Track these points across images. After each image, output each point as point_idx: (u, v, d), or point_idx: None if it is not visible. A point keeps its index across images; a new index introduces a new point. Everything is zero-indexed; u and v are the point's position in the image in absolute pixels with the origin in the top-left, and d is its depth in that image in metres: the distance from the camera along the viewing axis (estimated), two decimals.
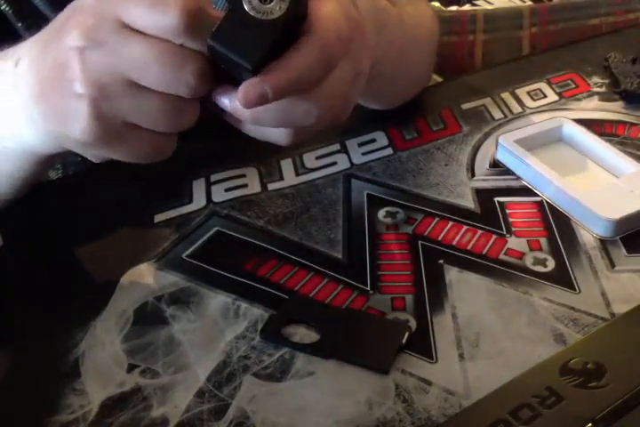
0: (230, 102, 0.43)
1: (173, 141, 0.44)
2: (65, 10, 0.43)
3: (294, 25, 0.41)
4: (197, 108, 0.43)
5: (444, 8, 1.24)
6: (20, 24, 0.62)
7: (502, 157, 0.69)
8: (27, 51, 0.44)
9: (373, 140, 0.72)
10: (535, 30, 1.16)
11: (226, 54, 0.40)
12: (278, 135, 0.46)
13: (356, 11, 0.45)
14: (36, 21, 0.63)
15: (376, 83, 0.50)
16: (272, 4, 0.39)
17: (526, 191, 0.66)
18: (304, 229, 0.62)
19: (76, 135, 0.42)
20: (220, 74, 0.42)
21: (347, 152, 0.71)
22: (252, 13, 0.39)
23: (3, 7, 0.61)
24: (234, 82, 0.42)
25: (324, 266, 0.58)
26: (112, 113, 0.41)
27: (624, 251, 0.60)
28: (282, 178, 0.68)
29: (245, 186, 0.67)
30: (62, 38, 0.41)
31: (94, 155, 0.45)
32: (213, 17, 0.40)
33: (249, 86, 0.40)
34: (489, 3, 1.30)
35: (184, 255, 0.60)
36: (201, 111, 0.44)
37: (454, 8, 1.26)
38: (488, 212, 0.64)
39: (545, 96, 0.79)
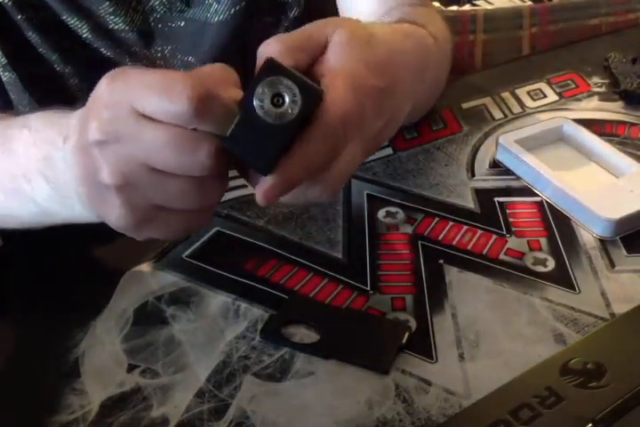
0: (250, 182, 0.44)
1: (208, 215, 0.46)
2: (93, 92, 0.45)
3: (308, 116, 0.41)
4: (222, 183, 0.44)
5: (444, 8, 1.24)
6: (19, 16, 0.63)
7: (502, 157, 0.69)
8: (72, 131, 0.45)
9: None
10: (535, 30, 1.16)
11: (240, 157, 0.41)
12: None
13: (373, 76, 0.44)
14: (36, 14, 0.63)
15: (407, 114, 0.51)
16: (284, 107, 0.39)
17: (526, 191, 0.66)
18: (304, 229, 0.62)
19: (112, 222, 0.45)
20: None
21: None
22: (264, 118, 0.39)
23: None
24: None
25: (324, 266, 0.58)
26: (139, 199, 0.43)
27: (624, 251, 0.60)
28: None
29: (245, 186, 0.67)
30: (86, 132, 0.42)
31: (134, 235, 0.46)
32: (224, 99, 0.40)
33: (263, 191, 0.42)
34: (489, 3, 1.31)
35: (184, 255, 0.60)
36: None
37: (454, 8, 1.26)
38: (488, 212, 0.64)
39: (545, 96, 0.79)
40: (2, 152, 0.51)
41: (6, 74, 0.65)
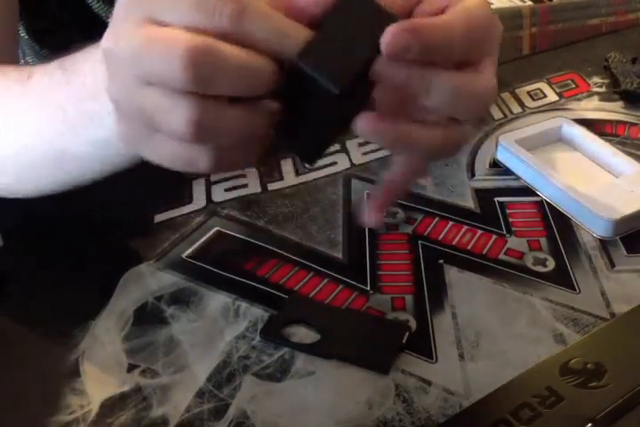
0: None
1: (203, 154, 0.36)
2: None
3: None
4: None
5: None
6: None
7: (502, 157, 0.69)
8: None
9: None
10: (535, 30, 1.16)
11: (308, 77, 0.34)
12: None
13: None
14: None
15: None
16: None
17: (526, 191, 0.66)
18: (304, 229, 0.62)
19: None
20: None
21: (347, 152, 0.71)
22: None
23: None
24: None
25: (324, 266, 0.58)
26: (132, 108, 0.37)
27: (624, 251, 0.60)
28: (282, 178, 0.68)
29: (245, 186, 0.67)
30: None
31: (130, 152, 0.42)
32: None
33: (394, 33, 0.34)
34: (489, 3, 1.30)
35: (184, 255, 0.60)
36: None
37: None
38: (488, 212, 0.64)
39: (545, 96, 0.79)
40: (66, 82, 0.46)
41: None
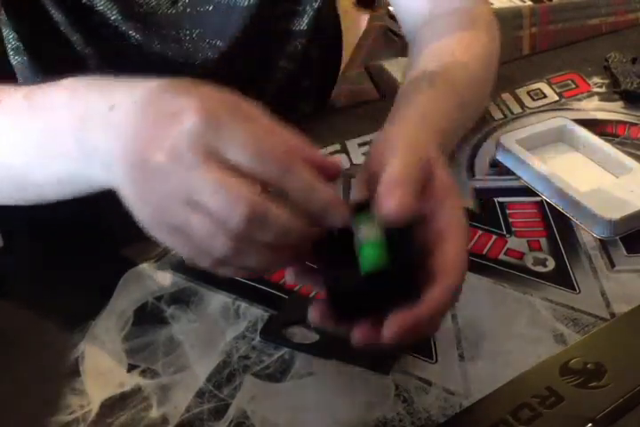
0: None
1: (209, 260, 0.41)
2: (170, 87, 0.40)
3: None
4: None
5: None
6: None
7: (502, 157, 0.69)
8: (122, 99, 0.42)
9: None
10: (535, 30, 1.16)
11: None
12: None
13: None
14: None
15: None
16: None
17: (526, 191, 0.66)
18: None
19: (135, 213, 0.43)
20: None
21: (347, 152, 0.71)
22: None
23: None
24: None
25: None
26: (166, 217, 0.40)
27: (624, 251, 0.60)
28: None
29: None
30: (146, 146, 0.39)
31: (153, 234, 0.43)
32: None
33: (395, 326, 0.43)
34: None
35: None
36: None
37: None
38: (488, 212, 0.64)
39: (545, 96, 0.79)
40: (30, 107, 0.46)
41: (17, 57, 0.64)
